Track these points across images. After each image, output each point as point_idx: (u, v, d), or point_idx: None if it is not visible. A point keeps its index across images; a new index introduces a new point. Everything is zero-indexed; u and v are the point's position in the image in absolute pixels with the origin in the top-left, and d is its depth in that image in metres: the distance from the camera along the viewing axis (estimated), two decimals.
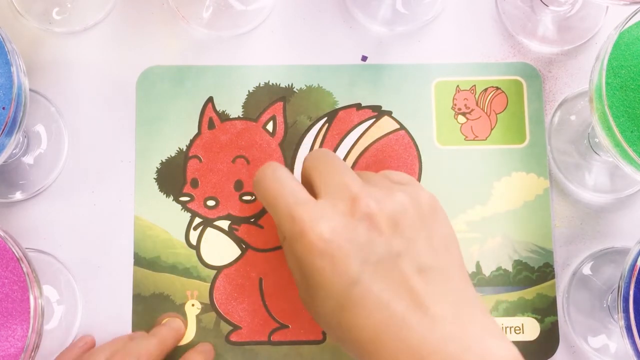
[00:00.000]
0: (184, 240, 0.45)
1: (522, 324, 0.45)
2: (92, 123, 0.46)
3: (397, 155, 0.46)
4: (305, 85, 0.47)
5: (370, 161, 0.46)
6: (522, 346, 0.45)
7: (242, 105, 0.47)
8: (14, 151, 0.45)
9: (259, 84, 0.47)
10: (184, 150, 0.46)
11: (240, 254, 0.45)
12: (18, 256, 0.36)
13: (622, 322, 0.38)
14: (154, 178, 0.46)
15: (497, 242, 0.46)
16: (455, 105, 0.47)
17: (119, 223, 0.45)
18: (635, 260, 0.38)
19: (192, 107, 0.47)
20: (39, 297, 0.37)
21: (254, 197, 0.46)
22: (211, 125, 0.47)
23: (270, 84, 0.47)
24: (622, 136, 0.38)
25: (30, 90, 0.44)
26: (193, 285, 0.45)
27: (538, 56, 0.48)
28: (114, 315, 0.44)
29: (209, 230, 0.45)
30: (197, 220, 0.46)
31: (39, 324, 0.37)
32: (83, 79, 0.47)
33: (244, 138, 0.46)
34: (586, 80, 0.47)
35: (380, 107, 0.47)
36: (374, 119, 0.47)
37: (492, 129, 0.47)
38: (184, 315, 0.44)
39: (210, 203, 0.46)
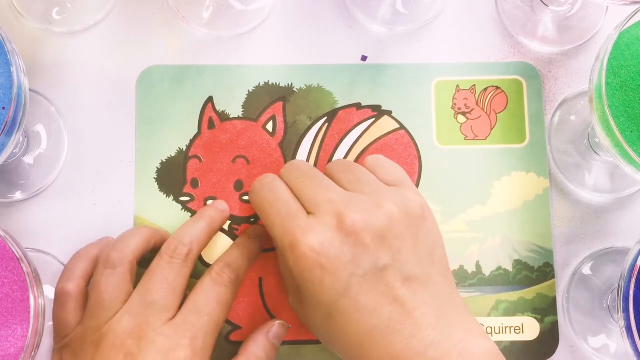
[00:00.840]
0: None
1: (522, 324, 0.45)
2: (92, 123, 0.46)
3: (397, 155, 0.46)
4: (305, 85, 0.47)
5: None
6: (522, 346, 0.45)
7: (242, 105, 0.47)
8: (14, 151, 0.44)
9: (259, 83, 0.47)
10: (184, 150, 0.46)
11: None
12: (18, 256, 0.36)
13: (622, 322, 0.38)
14: (154, 178, 0.46)
15: (497, 242, 0.46)
16: (455, 104, 0.47)
17: (119, 223, 0.45)
18: (635, 260, 0.38)
19: (192, 107, 0.47)
20: (39, 297, 0.37)
21: None
22: (211, 125, 0.47)
23: (270, 83, 0.47)
24: (622, 136, 0.38)
25: (30, 90, 0.44)
26: (193, 285, 0.45)
27: (538, 56, 0.48)
28: None
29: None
30: None
31: (39, 324, 0.37)
32: (83, 79, 0.47)
33: (244, 138, 0.46)
34: (586, 80, 0.47)
35: (380, 106, 0.47)
36: (374, 119, 0.47)
37: (492, 129, 0.47)
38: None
39: (211, 203, 0.46)
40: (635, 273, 0.38)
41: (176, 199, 0.46)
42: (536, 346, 0.45)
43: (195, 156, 0.46)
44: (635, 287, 0.38)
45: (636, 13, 0.38)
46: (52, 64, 0.47)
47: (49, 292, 0.45)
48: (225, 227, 0.46)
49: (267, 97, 0.47)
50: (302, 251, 0.37)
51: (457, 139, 0.47)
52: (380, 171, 0.41)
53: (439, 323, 0.37)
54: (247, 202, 0.46)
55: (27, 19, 0.47)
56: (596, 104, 0.39)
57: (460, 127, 0.47)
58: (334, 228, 0.38)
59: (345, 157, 0.46)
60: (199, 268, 0.45)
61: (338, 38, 0.48)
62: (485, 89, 0.47)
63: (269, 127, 0.47)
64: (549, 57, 0.48)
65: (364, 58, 0.48)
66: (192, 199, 0.46)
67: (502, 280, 0.45)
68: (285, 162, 0.46)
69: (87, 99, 0.46)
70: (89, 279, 0.42)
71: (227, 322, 0.45)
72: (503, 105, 0.47)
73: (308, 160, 0.46)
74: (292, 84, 0.47)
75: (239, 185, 0.46)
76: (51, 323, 0.42)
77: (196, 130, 0.46)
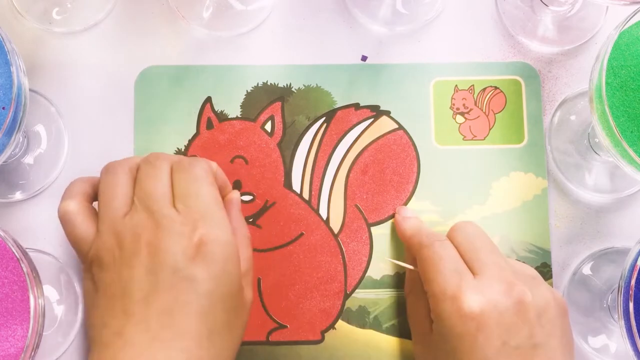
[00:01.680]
0: None
1: None
2: (91, 123, 0.46)
3: (395, 155, 0.46)
4: (304, 85, 0.47)
5: (368, 161, 0.46)
6: None
7: (241, 105, 0.47)
8: (14, 151, 0.45)
9: (258, 84, 0.47)
10: (183, 150, 0.46)
11: None
12: (18, 256, 0.37)
13: (622, 322, 0.38)
14: None
15: (495, 242, 0.46)
16: (454, 105, 0.47)
17: None
18: (635, 260, 0.38)
19: (191, 107, 0.47)
20: (39, 297, 0.37)
21: (252, 196, 0.46)
22: (209, 125, 0.47)
23: (269, 84, 0.47)
24: (622, 136, 0.38)
25: (30, 90, 0.44)
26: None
27: (538, 56, 0.48)
28: None
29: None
30: None
31: (39, 324, 0.37)
32: (83, 79, 0.47)
33: (243, 138, 0.46)
34: (586, 80, 0.47)
35: (378, 106, 0.47)
36: (373, 119, 0.47)
37: (490, 129, 0.47)
38: None
39: (245, 198, 0.46)
40: (635, 273, 0.37)
41: None
42: None
43: (194, 156, 0.46)
44: (635, 287, 0.38)
45: (636, 13, 0.38)
46: (52, 64, 0.47)
47: (49, 292, 0.45)
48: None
49: (265, 97, 0.47)
50: (463, 305, 0.38)
51: (455, 139, 0.47)
52: (518, 270, 0.42)
53: None
54: (246, 202, 0.46)
55: (27, 19, 0.47)
56: (596, 104, 0.39)
57: (459, 127, 0.47)
58: (501, 292, 0.38)
59: (344, 157, 0.46)
60: None
61: (338, 38, 0.48)
62: (484, 89, 0.47)
63: (268, 127, 0.47)
64: (549, 57, 0.48)
65: (364, 58, 0.48)
66: None
67: None
68: (284, 162, 0.46)
69: (87, 99, 0.47)
70: (90, 197, 0.41)
71: None
72: (501, 106, 0.47)
73: (306, 160, 0.46)
74: (290, 84, 0.47)
75: (237, 185, 0.46)
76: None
77: (195, 131, 0.46)
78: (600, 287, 0.46)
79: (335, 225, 0.46)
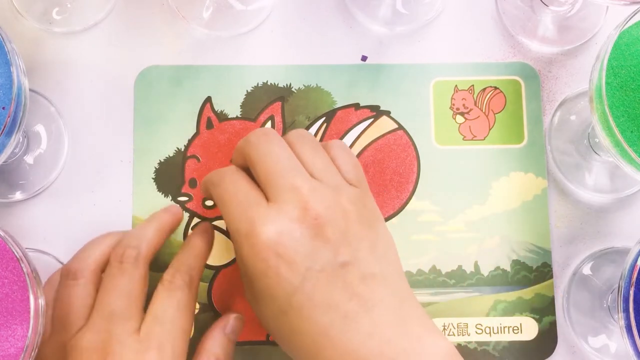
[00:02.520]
0: (182, 240, 0.45)
1: (520, 324, 0.45)
2: (91, 123, 0.46)
3: (395, 155, 0.46)
4: (304, 85, 0.47)
5: (368, 161, 0.46)
6: (520, 346, 0.45)
7: (241, 105, 0.47)
8: (14, 151, 0.45)
9: (258, 83, 0.47)
10: (182, 150, 0.46)
11: None
12: (18, 256, 0.36)
13: (622, 322, 0.38)
14: (153, 178, 0.46)
15: (495, 242, 0.46)
16: (454, 105, 0.47)
17: (119, 223, 0.45)
18: (635, 260, 0.38)
19: (191, 107, 0.47)
20: (39, 297, 0.37)
21: None
22: (209, 125, 0.47)
23: (269, 83, 0.47)
24: (622, 136, 0.38)
25: (30, 90, 0.44)
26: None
27: (538, 56, 0.48)
28: None
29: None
30: (196, 220, 0.46)
31: (39, 324, 0.37)
32: (83, 79, 0.47)
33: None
34: (586, 80, 0.47)
35: (378, 106, 0.47)
36: (373, 119, 0.47)
37: (490, 129, 0.47)
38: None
39: (209, 203, 0.46)
40: (635, 273, 0.37)
41: (174, 199, 0.46)
42: (534, 346, 0.45)
43: (194, 156, 0.46)
44: (635, 287, 0.38)
45: (636, 13, 0.38)
46: (52, 64, 0.47)
47: None
48: (224, 227, 0.46)
49: (265, 97, 0.47)
50: (258, 240, 0.36)
51: (455, 139, 0.47)
52: (343, 166, 0.40)
53: (397, 322, 0.36)
54: None
55: (27, 19, 0.47)
56: (596, 104, 0.39)
57: (459, 127, 0.47)
58: (295, 219, 0.36)
59: None
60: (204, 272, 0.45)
61: (338, 38, 0.48)
62: (484, 89, 0.47)
63: (268, 127, 0.47)
64: (549, 57, 0.48)
65: (364, 58, 0.48)
66: (191, 199, 0.46)
67: (500, 280, 0.45)
68: None
69: (86, 99, 0.47)
70: (101, 268, 0.41)
71: None
72: (501, 106, 0.47)
73: None
74: (290, 84, 0.47)
75: None
76: None
77: (194, 130, 0.46)
78: (600, 287, 0.46)
79: None
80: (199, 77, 0.47)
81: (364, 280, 0.37)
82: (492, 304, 0.45)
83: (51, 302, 0.40)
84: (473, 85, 0.47)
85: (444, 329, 0.45)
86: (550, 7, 0.48)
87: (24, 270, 0.36)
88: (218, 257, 0.45)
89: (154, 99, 0.46)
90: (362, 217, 0.38)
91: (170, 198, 0.46)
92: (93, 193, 0.46)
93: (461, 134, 0.47)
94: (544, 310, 0.45)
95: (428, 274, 0.45)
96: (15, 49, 0.39)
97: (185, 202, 0.46)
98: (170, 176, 0.46)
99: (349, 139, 0.47)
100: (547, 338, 0.45)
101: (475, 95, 0.47)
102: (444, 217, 0.46)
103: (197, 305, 0.45)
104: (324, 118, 0.47)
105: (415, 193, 0.46)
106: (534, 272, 0.45)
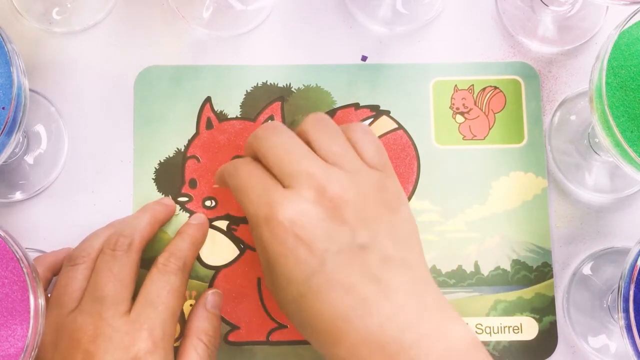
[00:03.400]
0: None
1: (521, 324, 0.45)
2: (91, 123, 0.46)
3: (395, 154, 0.46)
4: (304, 85, 0.47)
5: None
6: (520, 346, 0.45)
7: (240, 105, 0.47)
8: (14, 151, 0.45)
9: (257, 83, 0.47)
10: (182, 150, 0.46)
11: (239, 254, 0.45)
12: (18, 256, 0.36)
13: (622, 322, 0.38)
14: (153, 178, 0.46)
15: (495, 242, 0.46)
16: (454, 104, 0.47)
17: None
18: (635, 260, 0.38)
19: (190, 107, 0.47)
20: (39, 297, 0.37)
21: None
22: (209, 125, 0.47)
23: (269, 83, 0.47)
24: (622, 136, 0.38)
25: (30, 90, 0.44)
26: (191, 286, 0.45)
27: (538, 56, 0.48)
28: None
29: (208, 230, 0.45)
30: None
31: (39, 324, 0.37)
32: (83, 79, 0.47)
33: (242, 138, 0.46)
34: (586, 80, 0.47)
35: (378, 106, 0.47)
36: (372, 119, 0.47)
37: (490, 129, 0.47)
38: (182, 316, 0.44)
39: (209, 203, 0.46)
40: (635, 273, 0.37)
41: (174, 200, 0.46)
42: (535, 346, 0.45)
43: (194, 156, 0.46)
44: (635, 287, 0.38)
45: (636, 13, 0.38)
46: (52, 64, 0.47)
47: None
48: (224, 227, 0.46)
49: (265, 97, 0.47)
50: (277, 222, 0.36)
51: (455, 139, 0.47)
52: (364, 150, 0.40)
53: (417, 307, 0.36)
54: None
55: (27, 19, 0.47)
56: (596, 104, 0.39)
57: (459, 127, 0.47)
58: (311, 200, 0.37)
59: None
60: (198, 269, 0.45)
61: (338, 38, 0.48)
62: (484, 89, 0.47)
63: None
64: (549, 57, 0.48)
65: (364, 58, 0.48)
66: (191, 199, 0.46)
67: (500, 280, 0.45)
68: None
69: (86, 99, 0.47)
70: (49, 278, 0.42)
71: (226, 322, 0.45)
72: (501, 105, 0.47)
73: None
74: (290, 84, 0.47)
75: None
76: None
77: (194, 131, 0.46)
78: (600, 287, 0.46)
79: None
80: (199, 77, 0.47)
81: (383, 263, 0.36)
82: (492, 304, 0.45)
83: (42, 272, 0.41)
84: (473, 85, 0.47)
85: None
86: (550, 7, 0.48)
87: (24, 270, 0.36)
88: (218, 257, 0.45)
89: (154, 99, 0.46)
90: (382, 200, 0.38)
91: (171, 198, 0.46)
92: (93, 193, 0.46)
93: (461, 133, 0.47)
94: (544, 310, 0.45)
95: None
96: (15, 49, 0.39)
97: (185, 202, 0.46)
98: (170, 177, 0.46)
99: None
100: (547, 338, 0.45)
101: (475, 95, 0.47)
102: (444, 217, 0.46)
103: None
104: None
105: (415, 193, 0.46)
106: (534, 272, 0.45)
